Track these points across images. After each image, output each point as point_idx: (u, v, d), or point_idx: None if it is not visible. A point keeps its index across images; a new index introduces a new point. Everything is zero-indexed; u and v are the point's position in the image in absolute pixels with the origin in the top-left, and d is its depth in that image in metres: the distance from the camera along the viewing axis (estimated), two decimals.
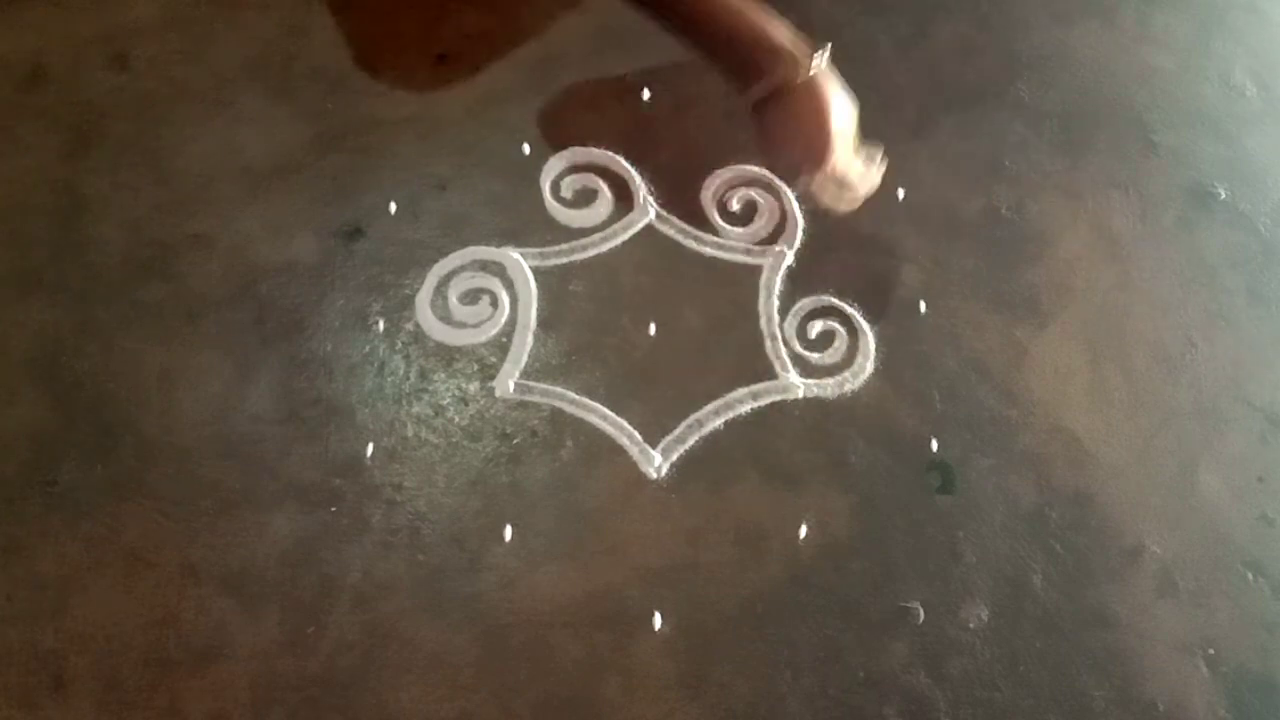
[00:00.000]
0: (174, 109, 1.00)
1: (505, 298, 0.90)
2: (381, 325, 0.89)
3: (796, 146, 0.78)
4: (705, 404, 0.85)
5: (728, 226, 0.93)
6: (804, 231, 0.92)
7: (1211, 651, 0.75)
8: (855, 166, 0.80)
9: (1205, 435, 0.83)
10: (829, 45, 0.77)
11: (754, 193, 0.94)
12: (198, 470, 0.83)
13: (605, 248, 0.92)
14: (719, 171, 0.95)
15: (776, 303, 0.89)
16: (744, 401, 0.85)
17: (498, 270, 0.92)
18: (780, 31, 0.76)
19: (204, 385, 0.86)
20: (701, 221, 0.93)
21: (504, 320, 0.89)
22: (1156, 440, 0.83)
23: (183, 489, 0.82)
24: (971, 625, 0.76)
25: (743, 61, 0.77)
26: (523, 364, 0.87)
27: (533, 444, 0.84)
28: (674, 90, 1.00)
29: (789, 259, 0.91)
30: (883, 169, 0.84)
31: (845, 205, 0.83)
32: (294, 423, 0.85)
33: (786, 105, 0.77)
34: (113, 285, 0.91)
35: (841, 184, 0.80)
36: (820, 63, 0.77)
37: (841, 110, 0.78)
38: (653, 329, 0.88)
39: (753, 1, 0.77)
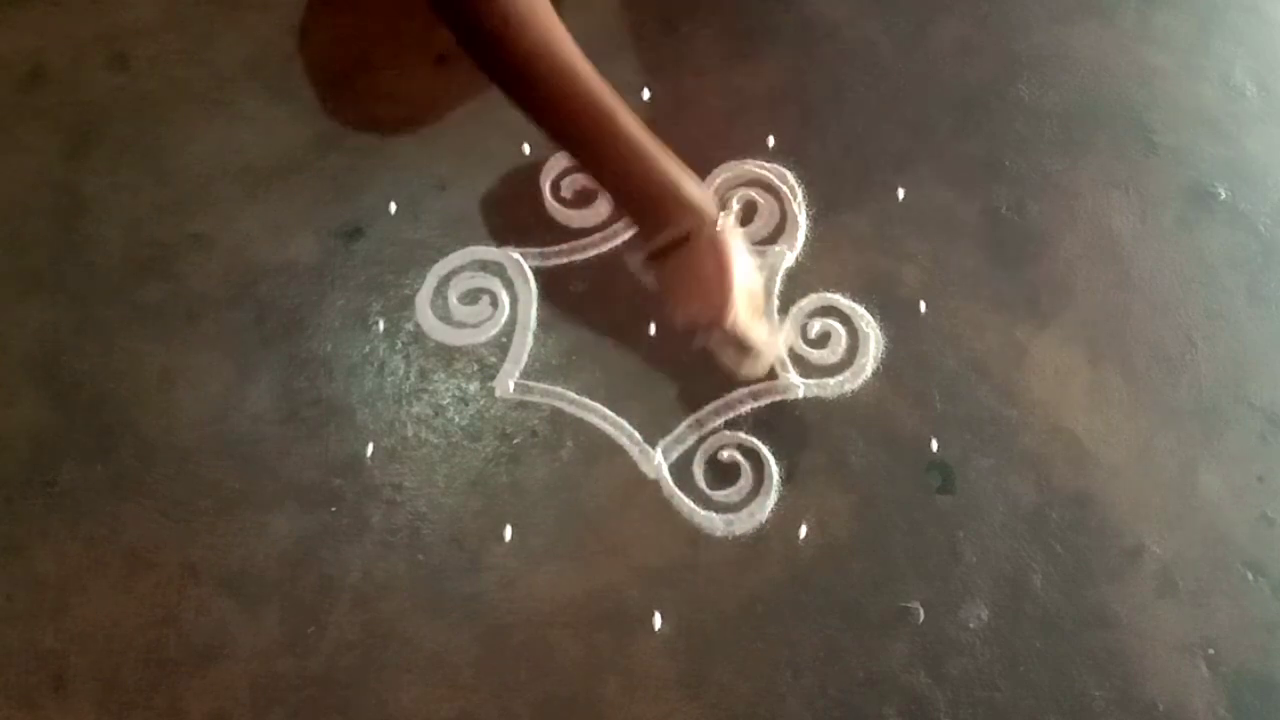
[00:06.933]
0: (174, 109, 1.01)
1: (505, 298, 0.90)
2: (381, 325, 0.89)
3: (695, 299, 0.73)
4: (705, 404, 0.85)
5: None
6: (804, 231, 0.92)
7: (1211, 651, 0.75)
8: (757, 328, 0.75)
9: (1205, 435, 0.83)
10: (736, 209, 0.74)
11: (754, 193, 0.94)
12: (198, 470, 0.83)
13: (605, 248, 0.92)
14: (719, 171, 0.95)
15: (776, 303, 0.89)
16: (744, 401, 0.85)
17: (498, 270, 0.92)
18: (691, 185, 0.73)
19: (204, 385, 0.86)
20: None
21: (504, 320, 0.89)
22: (1156, 440, 0.83)
23: (183, 489, 0.82)
24: (971, 625, 0.76)
25: (650, 209, 0.73)
26: (523, 364, 0.87)
27: (533, 444, 0.84)
28: (674, 90, 1.00)
29: (789, 259, 0.91)
30: (785, 337, 0.81)
31: (746, 369, 0.79)
32: (294, 423, 0.85)
33: (687, 257, 0.73)
34: (113, 285, 0.91)
35: (741, 345, 0.75)
36: (726, 222, 0.73)
37: (744, 269, 0.74)
38: (653, 329, 0.88)
39: (666, 150, 0.73)
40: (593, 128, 0.71)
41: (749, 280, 0.75)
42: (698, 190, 0.73)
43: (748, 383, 0.84)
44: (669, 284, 0.75)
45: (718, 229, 0.72)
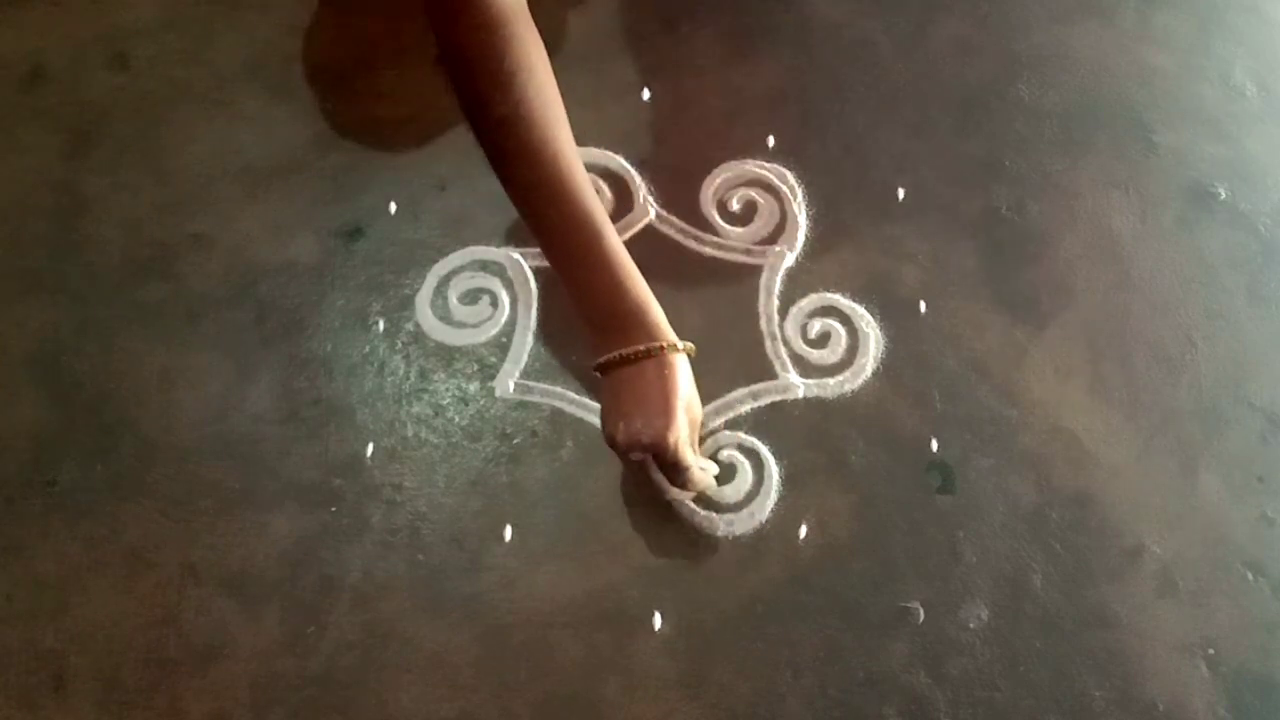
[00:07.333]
0: (174, 109, 1.01)
1: (505, 298, 0.90)
2: (381, 325, 0.89)
3: (637, 417, 0.73)
4: (705, 404, 0.84)
5: (728, 226, 0.93)
6: (804, 231, 0.92)
7: (1211, 651, 0.75)
8: (693, 456, 0.75)
9: (1205, 435, 0.83)
10: (692, 345, 0.75)
11: (754, 193, 0.94)
12: (198, 470, 0.83)
13: None
14: (719, 171, 0.95)
15: (776, 303, 0.89)
16: (744, 401, 0.85)
17: (498, 270, 0.92)
18: (655, 308, 0.74)
19: (204, 385, 0.86)
20: (701, 221, 0.93)
21: (504, 320, 0.89)
22: (1156, 440, 0.83)
23: (183, 489, 0.82)
24: (971, 625, 0.76)
25: (612, 324, 0.74)
26: (523, 364, 0.87)
27: (533, 444, 0.84)
28: (674, 90, 1.00)
29: (789, 259, 0.91)
30: (713, 476, 0.79)
31: (674, 494, 0.79)
32: (294, 423, 0.85)
33: (636, 374, 0.73)
34: (113, 285, 0.91)
35: (676, 467, 0.74)
36: (682, 348, 0.74)
37: (689, 394, 0.74)
38: None
39: (637, 273, 0.74)
40: (577, 236, 0.72)
41: (692, 407, 0.75)
42: (660, 314, 0.74)
43: (748, 382, 0.85)
44: (613, 397, 0.75)
45: (672, 354, 0.73)
